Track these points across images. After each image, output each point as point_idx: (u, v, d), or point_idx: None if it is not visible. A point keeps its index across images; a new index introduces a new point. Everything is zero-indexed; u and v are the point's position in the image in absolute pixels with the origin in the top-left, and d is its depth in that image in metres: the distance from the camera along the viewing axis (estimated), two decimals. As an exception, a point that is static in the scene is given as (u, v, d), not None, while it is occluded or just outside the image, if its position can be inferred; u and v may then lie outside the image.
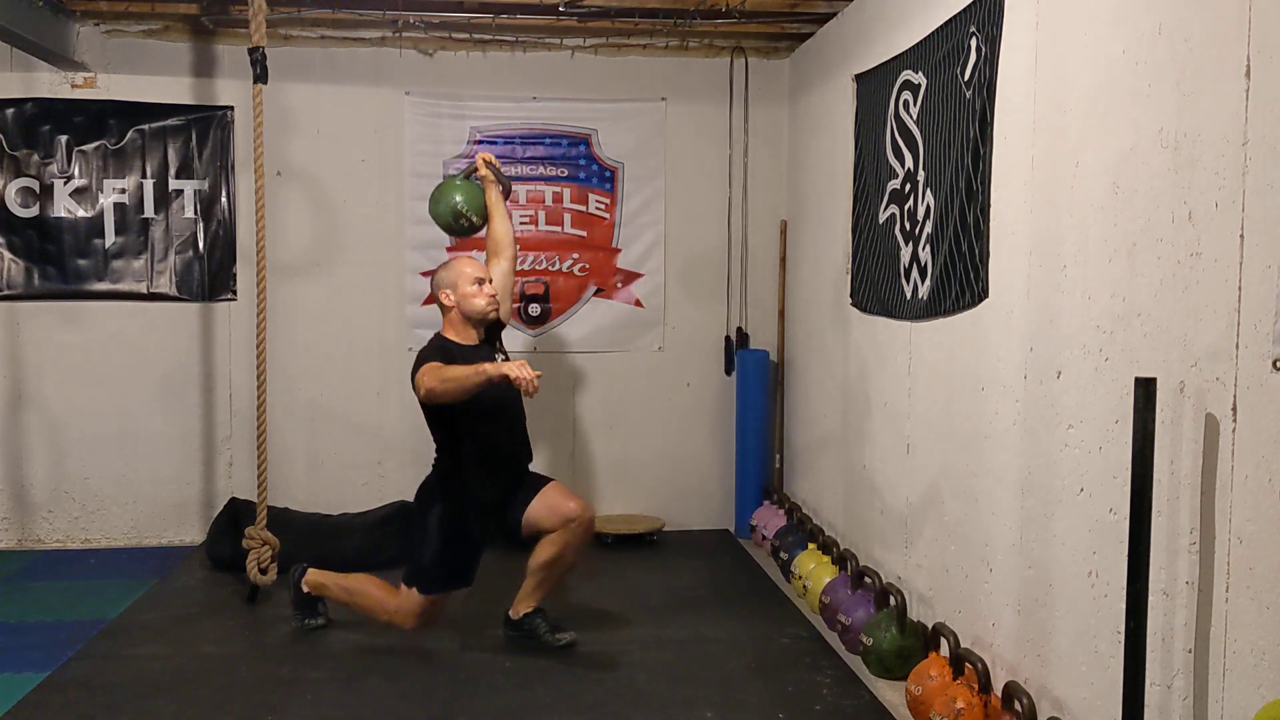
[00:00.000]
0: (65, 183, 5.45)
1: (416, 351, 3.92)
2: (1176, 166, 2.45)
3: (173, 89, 5.48)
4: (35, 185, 5.43)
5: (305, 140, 5.54)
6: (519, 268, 5.67)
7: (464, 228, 4.32)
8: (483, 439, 3.93)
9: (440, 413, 3.86)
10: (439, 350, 3.88)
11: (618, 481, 5.86)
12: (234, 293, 5.57)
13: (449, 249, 5.63)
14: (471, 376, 3.59)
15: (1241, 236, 2.24)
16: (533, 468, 4.19)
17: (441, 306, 4.02)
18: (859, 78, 4.57)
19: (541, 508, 3.97)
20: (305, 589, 4.26)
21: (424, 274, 5.64)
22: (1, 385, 5.47)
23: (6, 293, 5.44)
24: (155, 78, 5.46)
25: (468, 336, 4.00)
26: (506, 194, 4.36)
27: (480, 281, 3.98)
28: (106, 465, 5.53)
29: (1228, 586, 2.30)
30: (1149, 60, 2.55)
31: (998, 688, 3.11)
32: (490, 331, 4.10)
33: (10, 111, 5.39)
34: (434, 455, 4.03)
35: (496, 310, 4.03)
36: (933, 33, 3.76)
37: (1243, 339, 2.24)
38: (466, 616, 4.01)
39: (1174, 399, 2.45)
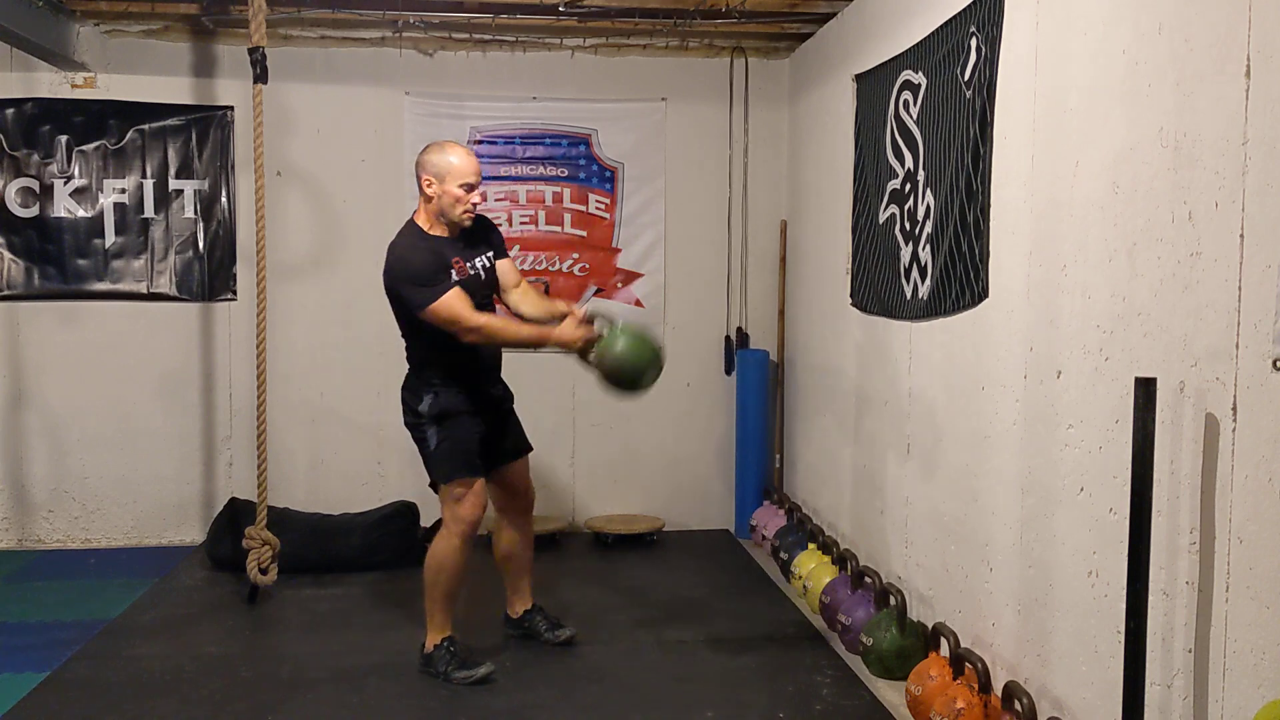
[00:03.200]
0: (65, 183, 5.45)
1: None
2: (1176, 166, 2.45)
3: (173, 89, 5.48)
4: (35, 185, 5.43)
5: (305, 140, 5.54)
6: (519, 268, 5.67)
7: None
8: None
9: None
10: (430, 255, 3.63)
11: (618, 481, 5.86)
12: (234, 293, 5.57)
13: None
14: (529, 340, 3.68)
15: (1241, 236, 2.24)
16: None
17: (421, 190, 3.72)
18: (859, 78, 4.57)
19: (513, 477, 3.98)
20: (429, 648, 3.82)
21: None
22: (1, 385, 5.47)
23: (6, 293, 5.44)
24: (155, 78, 5.46)
25: (439, 229, 3.73)
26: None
27: (470, 188, 3.68)
28: (106, 465, 5.53)
29: (1228, 586, 2.30)
30: (1149, 60, 2.55)
31: (998, 688, 3.11)
32: (474, 241, 3.82)
33: (10, 111, 5.39)
34: (405, 351, 3.83)
35: (471, 222, 3.75)
36: (933, 33, 3.76)
37: (1243, 339, 2.24)
38: (467, 617, 4.01)
39: (1174, 399, 2.45)
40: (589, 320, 3.75)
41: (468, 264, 3.77)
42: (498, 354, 3.94)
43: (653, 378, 3.70)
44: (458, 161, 3.69)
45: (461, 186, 3.68)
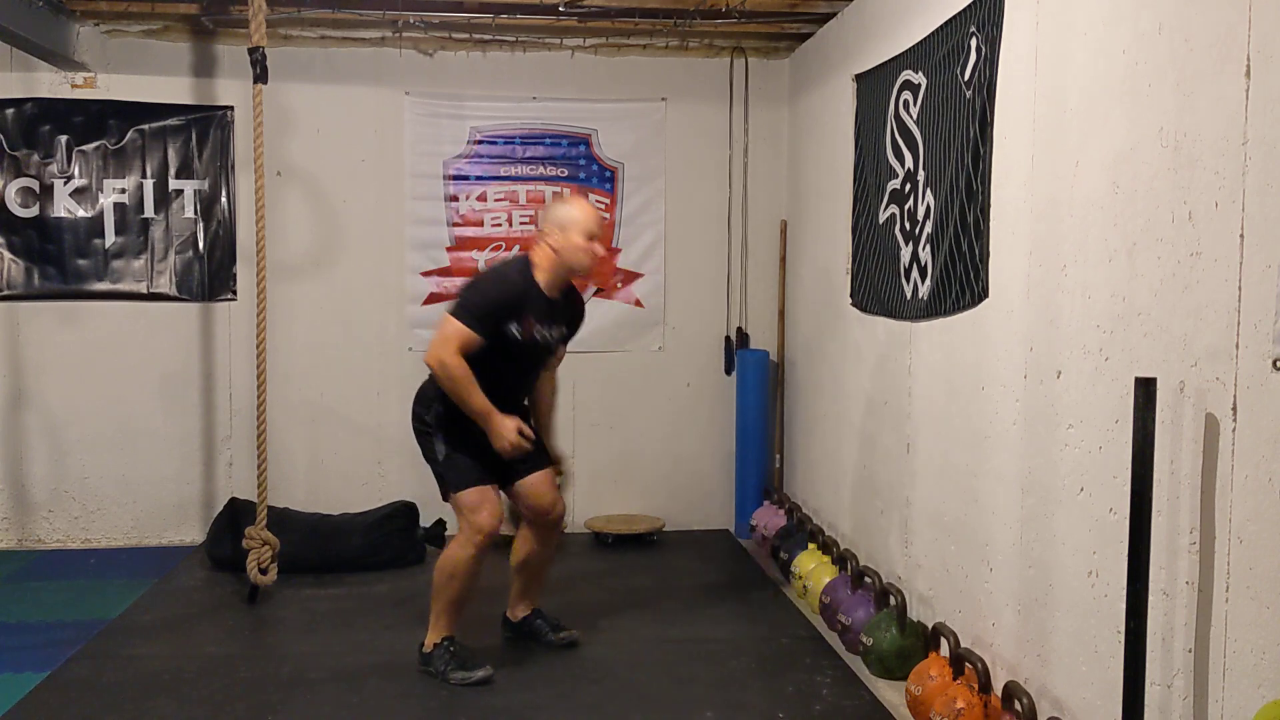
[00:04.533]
0: (65, 183, 5.45)
1: (451, 307, 3.65)
2: (1176, 166, 2.45)
3: (173, 89, 5.48)
4: (35, 185, 5.43)
5: (305, 140, 5.54)
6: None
7: None
8: (491, 371, 3.66)
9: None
10: (511, 298, 3.64)
11: (618, 481, 5.86)
12: (234, 293, 5.57)
13: (449, 249, 5.64)
14: (474, 412, 3.60)
15: (1241, 236, 2.24)
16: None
17: (543, 240, 3.74)
18: (859, 78, 4.57)
19: (532, 492, 3.89)
20: (429, 646, 3.80)
21: (424, 274, 5.65)
22: (1, 385, 5.47)
23: (6, 293, 5.44)
24: (155, 78, 5.46)
25: (548, 284, 3.74)
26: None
27: (593, 237, 3.73)
28: (106, 465, 5.53)
29: (1228, 586, 2.30)
30: (1149, 60, 2.55)
31: (998, 688, 3.11)
32: (557, 312, 3.82)
33: (10, 111, 5.39)
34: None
35: (591, 272, 3.85)
36: (933, 33, 3.76)
37: (1243, 339, 2.24)
38: (467, 616, 4.01)
39: (1174, 399, 2.45)
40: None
41: (537, 328, 3.74)
42: (520, 386, 3.91)
43: None
44: (581, 213, 3.75)
45: (586, 236, 3.72)
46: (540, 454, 3.96)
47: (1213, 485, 2.34)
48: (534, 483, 3.90)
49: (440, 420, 3.75)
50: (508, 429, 3.61)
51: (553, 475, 3.98)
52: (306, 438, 5.62)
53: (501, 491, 3.90)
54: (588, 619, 4.32)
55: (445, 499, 3.82)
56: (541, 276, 3.73)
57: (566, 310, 3.90)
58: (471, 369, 3.61)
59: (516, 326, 3.67)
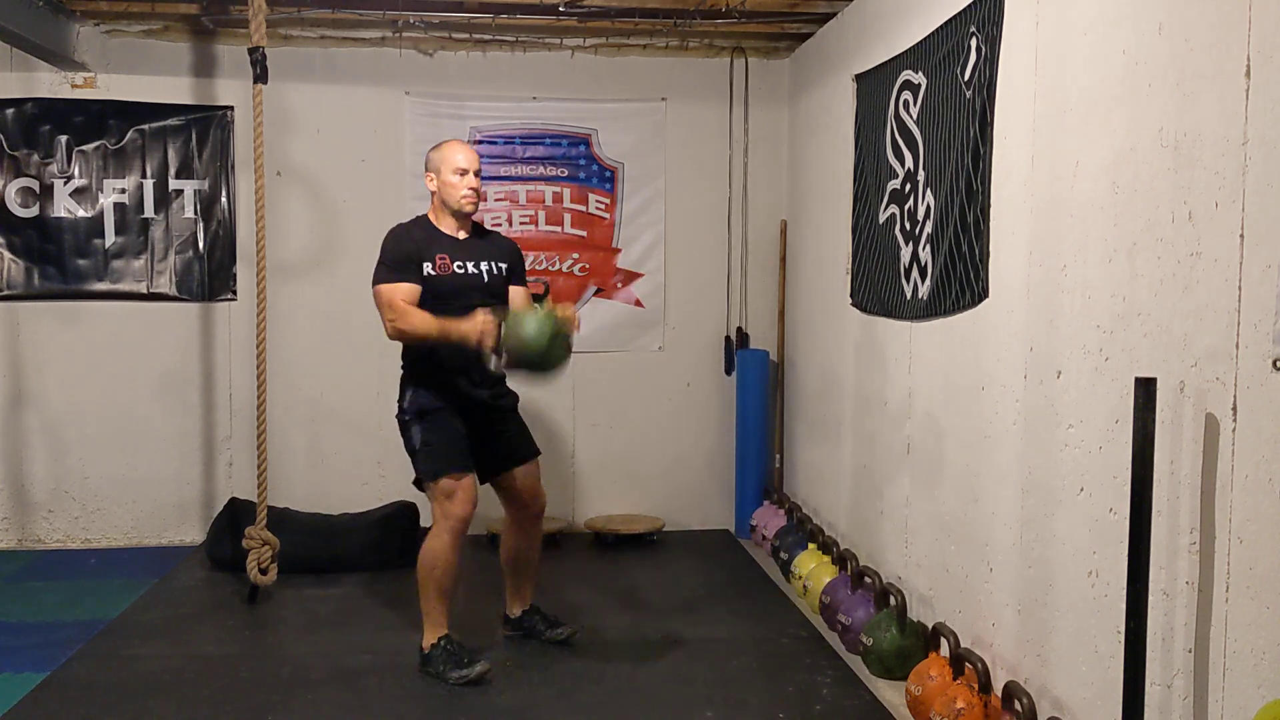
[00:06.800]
0: (65, 183, 5.45)
1: None
2: (1176, 166, 2.45)
3: (173, 89, 5.48)
4: (35, 185, 5.43)
5: (305, 140, 5.54)
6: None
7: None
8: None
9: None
10: (411, 245, 3.71)
11: (618, 481, 5.86)
12: (234, 293, 5.57)
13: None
14: (446, 336, 3.61)
15: (1241, 236, 2.24)
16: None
17: (429, 190, 3.86)
18: (859, 78, 4.57)
19: (518, 484, 3.94)
20: (426, 647, 3.81)
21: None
22: (1, 385, 5.47)
23: (6, 293, 5.44)
24: (155, 78, 5.47)
25: (450, 226, 3.83)
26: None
27: (463, 172, 3.78)
28: (106, 465, 5.53)
29: (1228, 586, 2.30)
30: (1149, 60, 2.55)
31: (998, 688, 3.11)
32: (476, 250, 3.82)
33: (10, 111, 5.39)
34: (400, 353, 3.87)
35: (475, 207, 3.84)
36: (933, 33, 3.76)
37: (1243, 339, 2.24)
38: (466, 616, 4.01)
39: (1174, 399, 2.45)
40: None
41: (455, 262, 3.78)
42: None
43: (559, 352, 3.58)
44: (449, 151, 3.83)
45: (455, 172, 3.78)
46: (526, 444, 4.00)
47: (1213, 485, 2.34)
48: (519, 475, 3.96)
49: (414, 407, 3.79)
50: (467, 325, 3.58)
51: (537, 467, 4.02)
52: (306, 438, 5.62)
53: (488, 483, 3.94)
54: (588, 619, 4.33)
55: (420, 488, 3.85)
56: (440, 221, 3.84)
57: (491, 247, 3.92)
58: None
59: (430, 266, 3.74)
